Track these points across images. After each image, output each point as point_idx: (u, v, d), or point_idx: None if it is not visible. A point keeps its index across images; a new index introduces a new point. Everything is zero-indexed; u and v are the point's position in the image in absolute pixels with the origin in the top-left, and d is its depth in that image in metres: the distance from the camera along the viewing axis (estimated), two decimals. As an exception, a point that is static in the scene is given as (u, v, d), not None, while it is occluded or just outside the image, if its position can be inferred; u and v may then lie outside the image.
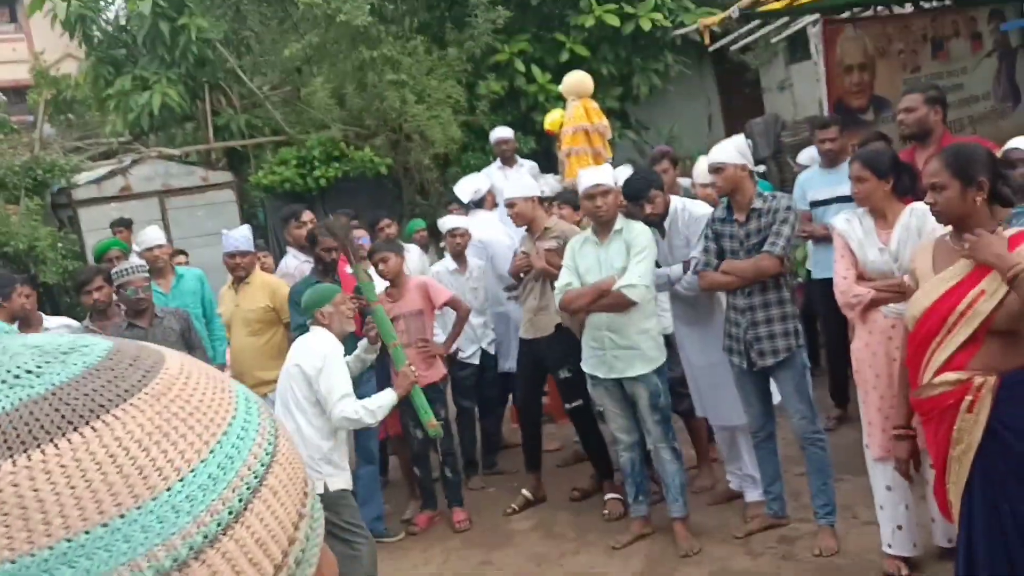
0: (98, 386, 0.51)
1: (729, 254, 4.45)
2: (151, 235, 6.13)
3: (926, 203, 2.95)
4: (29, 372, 0.51)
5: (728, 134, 14.97)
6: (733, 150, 4.43)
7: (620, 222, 4.65)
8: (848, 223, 4.04)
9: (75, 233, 8.91)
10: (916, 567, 3.97)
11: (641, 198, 4.75)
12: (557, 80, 11.61)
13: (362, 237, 6.19)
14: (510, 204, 5.44)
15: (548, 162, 10.25)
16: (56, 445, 0.48)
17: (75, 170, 9.35)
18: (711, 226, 4.56)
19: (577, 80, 7.23)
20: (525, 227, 5.50)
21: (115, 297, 5.18)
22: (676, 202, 4.92)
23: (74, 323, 5.72)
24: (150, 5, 9.51)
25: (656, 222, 4.84)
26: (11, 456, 0.48)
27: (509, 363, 6.08)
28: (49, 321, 5.59)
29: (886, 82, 8.22)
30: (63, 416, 0.49)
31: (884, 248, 3.92)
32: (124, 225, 7.80)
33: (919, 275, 2.98)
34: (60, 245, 8.60)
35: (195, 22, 9.77)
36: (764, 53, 13.23)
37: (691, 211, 4.85)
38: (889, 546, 3.99)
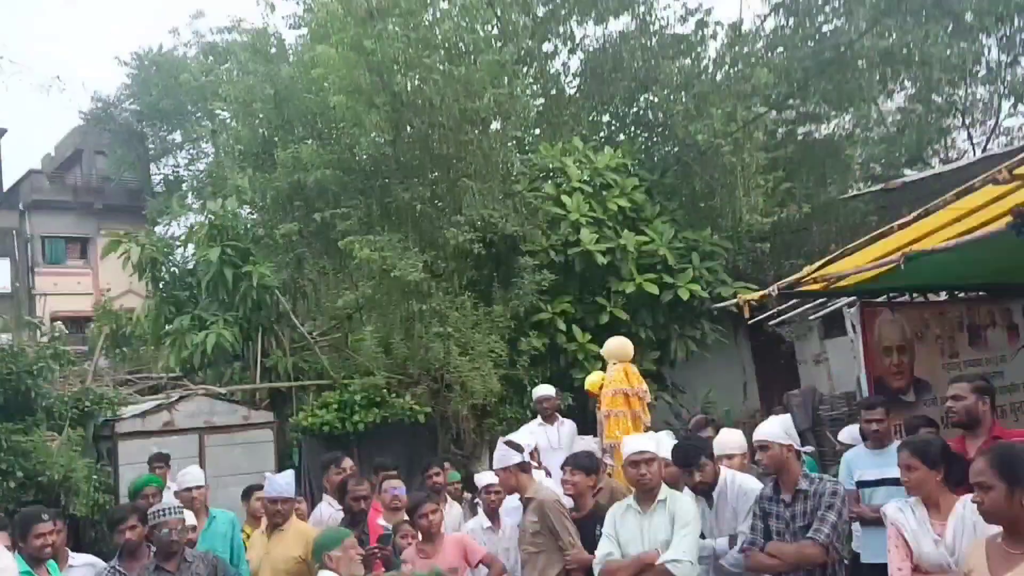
0: None
1: (776, 535, 4.37)
2: (192, 475, 6.15)
3: (972, 501, 2.95)
4: None
5: (763, 402, 15.16)
6: (780, 429, 4.46)
7: (664, 491, 4.61)
8: (901, 512, 3.97)
9: (111, 466, 8.96)
10: None
11: (691, 465, 4.74)
12: (596, 340, 11.97)
13: (398, 488, 6.15)
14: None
15: (584, 419, 10.31)
16: None
17: (122, 403, 9.57)
18: (759, 503, 4.51)
19: (619, 345, 7.45)
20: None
21: (147, 537, 5.13)
22: (726, 473, 4.89)
23: (99, 563, 5.62)
24: (218, 252, 10.14)
25: (705, 491, 4.79)
26: None
27: None
28: (75, 559, 5.50)
29: (925, 365, 8.30)
30: None
31: (939, 540, 3.83)
32: (163, 461, 7.84)
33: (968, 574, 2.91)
34: (95, 478, 8.61)
35: (258, 270, 10.34)
36: (800, 327, 13.56)
37: (741, 484, 4.81)
38: None
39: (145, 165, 27.09)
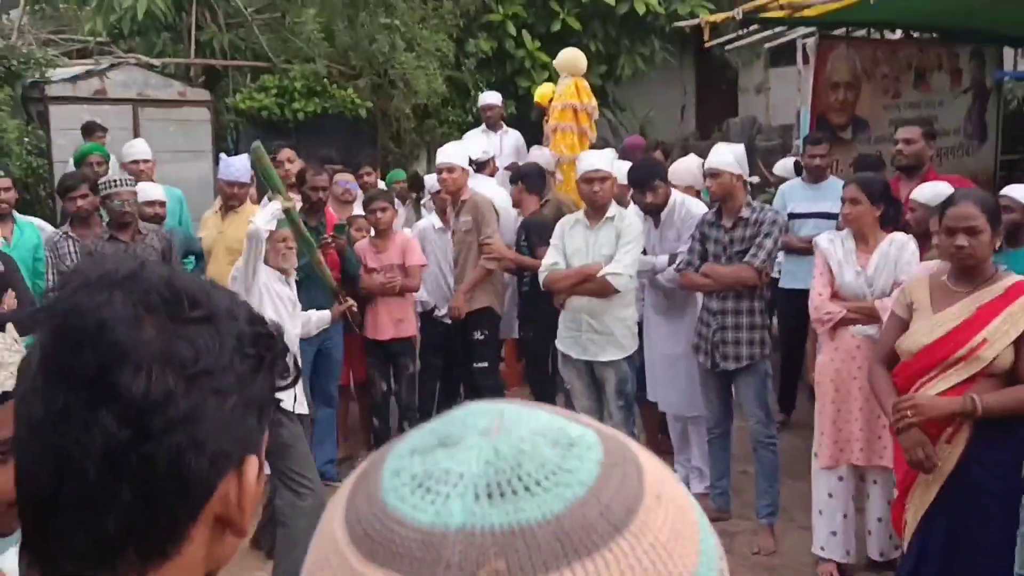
0: (596, 514, 0.49)
1: (712, 257, 4.63)
2: (139, 147, 6.04)
3: (956, 246, 3.03)
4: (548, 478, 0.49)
5: (700, 127, 15.33)
6: (732, 158, 4.58)
7: (613, 209, 4.78)
8: (831, 243, 4.24)
9: (43, 129, 8.66)
10: (846, 574, 4.25)
11: (645, 186, 4.89)
12: (545, 48, 11.69)
13: (350, 182, 6.21)
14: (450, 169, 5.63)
15: (526, 128, 10.32)
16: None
17: (51, 65, 9.05)
18: (699, 228, 4.73)
19: (572, 57, 7.30)
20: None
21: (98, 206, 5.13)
22: (676, 196, 5.07)
23: (48, 226, 5.64)
24: (149, -92, 9.22)
25: (654, 212, 4.99)
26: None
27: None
28: (21, 219, 5.50)
29: (867, 104, 8.46)
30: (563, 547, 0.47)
31: (861, 271, 4.13)
32: (100, 130, 7.63)
33: (915, 308, 3.15)
34: (27, 140, 8.36)
35: (188, -68, 9.51)
36: (746, 53, 13.41)
37: (689, 208, 5.00)
38: (822, 549, 4.27)
39: None
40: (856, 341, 4.13)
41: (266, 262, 4.31)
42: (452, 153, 5.84)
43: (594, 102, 7.02)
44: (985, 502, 2.95)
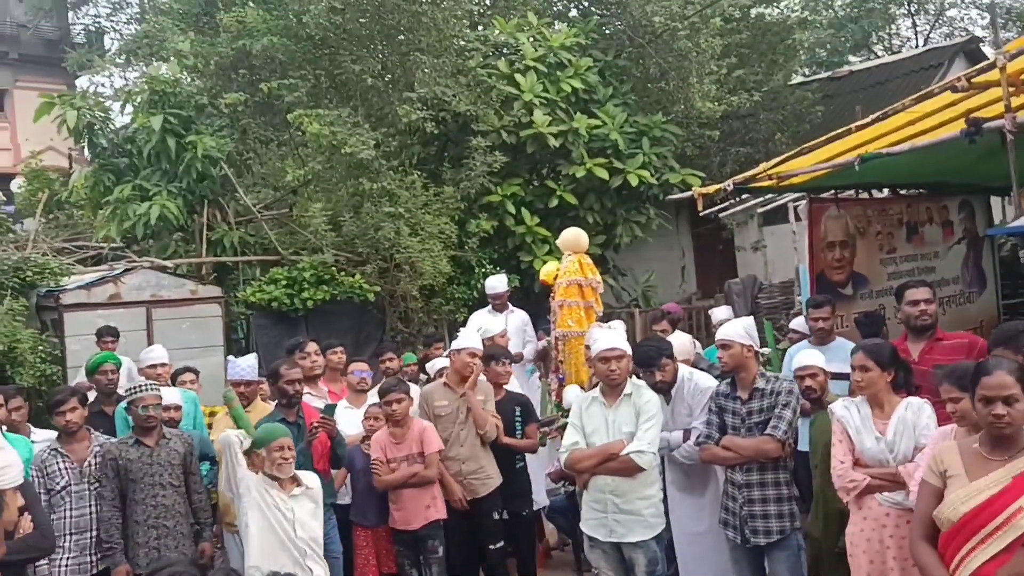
0: None
1: (731, 430, 4.61)
2: (157, 352, 6.14)
3: (994, 415, 3.03)
4: None
5: (701, 287, 15.58)
6: (742, 330, 4.65)
7: (630, 386, 4.79)
8: (847, 409, 4.23)
9: (57, 336, 8.83)
10: None
11: (652, 366, 4.92)
12: (545, 223, 12.08)
13: (364, 371, 6.26)
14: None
15: (530, 301, 10.50)
16: None
17: (65, 273, 9.34)
18: (715, 400, 4.73)
19: (574, 236, 7.53)
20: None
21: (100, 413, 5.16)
22: (684, 371, 5.10)
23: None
24: (160, 120, 9.76)
25: (664, 389, 5.00)
26: None
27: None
28: (36, 434, 5.52)
29: (864, 260, 8.62)
30: None
31: (881, 437, 4.10)
32: (112, 334, 7.76)
33: (950, 476, 3.11)
34: (41, 348, 8.49)
35: (202, 140, 10.02)
36: (740, 215, 13.85)
37: (697, 382, 5.02)
38: None
39: (63, 12, 25.50)
40: (885, 509, 4.06)
41: (255, 467, 4.35)
42: (471, 337, 6.06)
43: (598, 277, 7.18)
44: None
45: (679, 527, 5.09)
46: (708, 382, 5.03)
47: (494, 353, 6.12)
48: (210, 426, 6.18)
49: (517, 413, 5.99)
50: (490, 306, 8.44)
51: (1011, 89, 5.61)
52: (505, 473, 5.78)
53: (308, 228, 10.61)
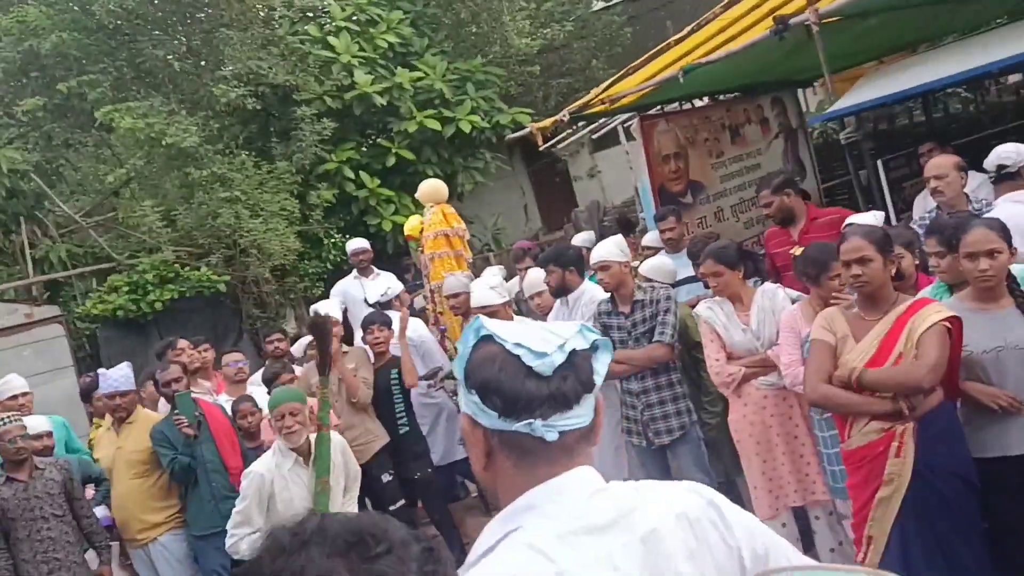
0: None
1: (618, 344, 4.79)
2: (15, 383, 5.73)
3: (853, 275, 3.29)
4: None
5: (544, 222, 15.89)
6: (616, 249, 4.81)
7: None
8: (711, 310, 4.49)
9: None
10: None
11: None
12: (386, 183, 11.97)
13: (240, 361, 6.08)
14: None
15: (383, 263, 10.42)
16: None
17: None
18: (598, 319, 4.89)
19: (432, 188, 7.50)
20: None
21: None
22: (585, 284, 5.29)
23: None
24: (-46, 140, 8.97)
25: (561, 293, 5.27)
26: None
27: (447, 454, 6.32)
28: None
29: (697, 168, 9.06)
30: None
31: (747, 328, 4.40)
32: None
33: (839, 337, 3.37)
34: None
35: (5, 155, 9.27)
36: (572, 145, 14.18)
37: (593, 295, 5.18)
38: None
39: None
40: (762, 392, 4.38)
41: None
42: (327, 306, 6.08)
43: (463, 224, 7.22)
44: (945, 496, 3.17)
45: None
46: (602, 295, 5.11)
47: (369, 319, 6.06)
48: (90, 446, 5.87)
49: (393, 375, 5.91)
50: (355, 272, 8.28)
51: (811, -17, 5.99)
52: (392, 439, 5.78)
53: (140, 228, 10.07)
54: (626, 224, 9.58)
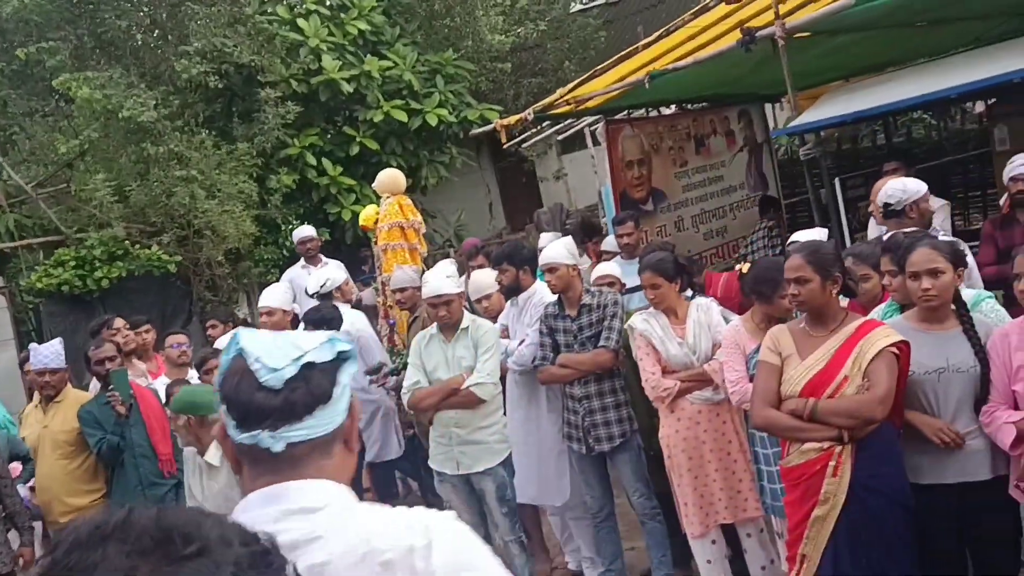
0: None
1: (564, 347, 4.74)
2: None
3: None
4: None
5: (508, 220, 15.82)
6: (564, 251, 4.75)
7: (466, 319, 4.82)
8: (646, 323, 4.44)
9: None
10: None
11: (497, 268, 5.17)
12: (348, 171, 11.82)
13: (183, 344, 5.94)
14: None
15: (339, 253, 10.28)
16: None
17: None
18: (544, 322, 4.83)
19: (390, 178, 7.41)
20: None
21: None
22: (537, 284, 5.19)
23: None
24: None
25: (510, 293, 5.17)
26: None
27: (382, 451, 6.20)
28: None
29: (661, 176, 9.05)
30: None
31: (682, 342, 4.37)
32: None
33: (784, 357, 3.34)
34: None
35: (-45, 117, 9.01)
36: (539, 145, 14.12)
37: (543, 296, 5.06)
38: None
39: None
40: (696, 407, 4.35)
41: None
42: (272, 297, 5.92)
43: (420, 217, 7.13)
44: (880, 512, 3.16)
45: (514, 441, 5.13)
46: (547, 294, 5.03)
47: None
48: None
49: None
50: (302, 260, 8.16)
51: (779, -2, 5.97)
52: None
53: (92, 202, 9.81)
54: (590, 228, 9.53)
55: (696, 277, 5.11)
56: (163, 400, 5.13)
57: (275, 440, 1.35)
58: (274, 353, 1.38)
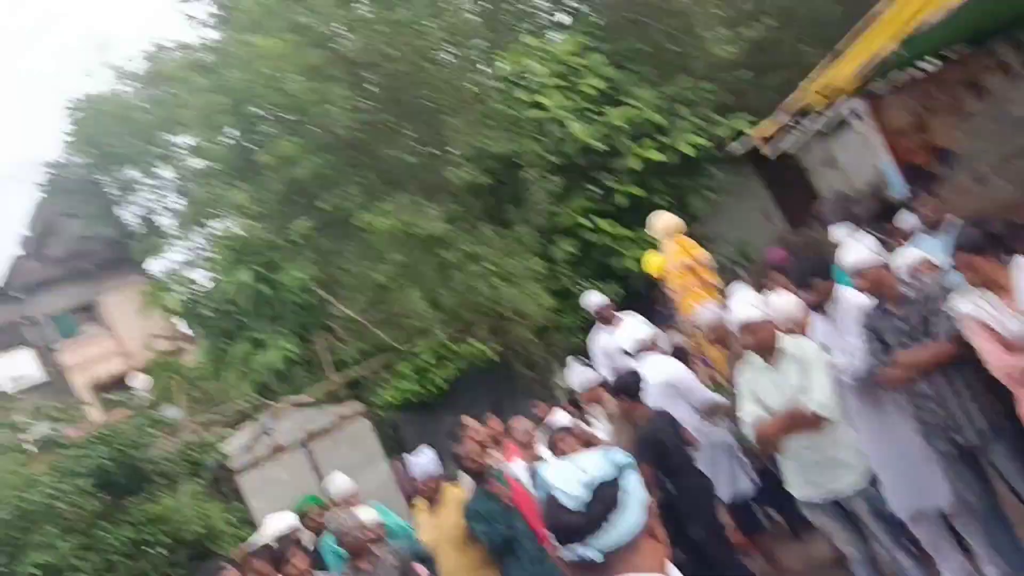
0: None
1: (898, 347, 4.52)
2: (342, 485, 6.43)
3: None
4: None
5: (789, 223, 15.27)
6: (867, 252, 4.60)
7: (783, 340, 4.80)
8: (975, 305, 4.10)
9: (239, 500, 9.33)
10: None
11: (800, 285, 4.95)
12: (620, 221, 12.13)
13: (528, 426, 6.43)
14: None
15: (639, 301, 10.55)
16: None
17: (219, 440, 9.89)
18: (868, 327, 4.65)
19: (663, 222, 7.60)
20: None
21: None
22: (840, 289, 4.95)
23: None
24: (251, 273, 10.30)
25: (816, 308, 4.95)
26: None
27: (735, 491, 6.21)
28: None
29: (941, 133, 8.49)
30: None
31: (1017, 314, 3.98)
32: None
33: None
34: (228, 516, 8.99)
35: (290, 274, 10.50)
36: (801, 137, 13.61)
37: (847, 298, 4.88)
38: None
39: (109, 212, 26.86)
40: None
41: None
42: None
43: (705, 252, 7.21)
44: None
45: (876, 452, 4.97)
46: (856, 297, 4.82)
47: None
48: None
49: None
50: (597, 323, 8.40)
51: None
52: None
53: (412, 316, 10.94)
54: (885, 208, 9.03)
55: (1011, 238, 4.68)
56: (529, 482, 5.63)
57: (593, 551, 1.73)
58: (570, 481, 1.76)
